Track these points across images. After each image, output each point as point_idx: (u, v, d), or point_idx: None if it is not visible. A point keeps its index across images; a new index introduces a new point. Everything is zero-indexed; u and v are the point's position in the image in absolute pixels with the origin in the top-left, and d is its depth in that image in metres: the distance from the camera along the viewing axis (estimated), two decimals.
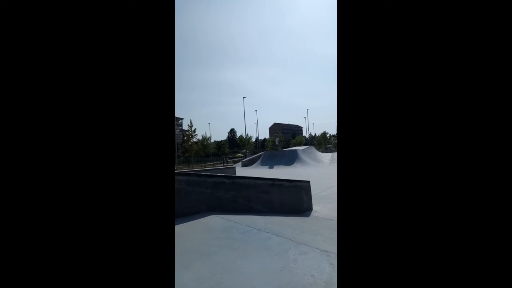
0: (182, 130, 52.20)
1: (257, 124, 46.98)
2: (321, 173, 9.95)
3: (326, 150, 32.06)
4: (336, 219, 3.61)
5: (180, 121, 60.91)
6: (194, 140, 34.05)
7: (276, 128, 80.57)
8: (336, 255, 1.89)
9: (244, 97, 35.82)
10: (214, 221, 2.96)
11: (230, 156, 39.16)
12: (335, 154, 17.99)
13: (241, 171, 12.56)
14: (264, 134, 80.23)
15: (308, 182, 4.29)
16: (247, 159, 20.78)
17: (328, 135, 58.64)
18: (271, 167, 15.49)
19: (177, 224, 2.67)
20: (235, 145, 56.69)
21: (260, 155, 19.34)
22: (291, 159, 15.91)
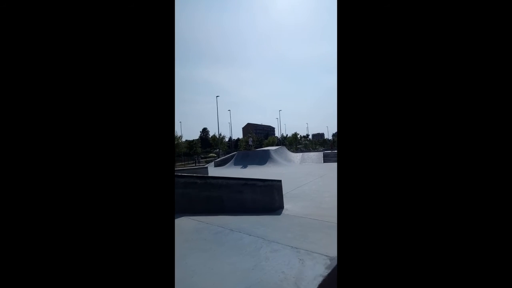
0: None
1: (230, 123, 46.66)
2: (292, 172, 10.23)
3: (297, 150, 33.03)
4: (306, 216, 3.73)
5: None
6: None
7: (249, 128, 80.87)
8: (305, 251, 1.96)
9: (217, 96, 35.13)
10: (185, 223, 2.88)
11: (202, 156, 38.28)
12: (305, 154, 18.61)
13: (213, 171, 12.36)
14: (238, 134, 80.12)
15: (280, 181, 4.38)
16: (220, 159, 20.50)
17: (299, 136, 60.50)
18: (244, 166, 15.51)
19: None
20: (208, 144, 55.59)
21: (233, 155, 19.24)
22: (264, 159, 16.09)
